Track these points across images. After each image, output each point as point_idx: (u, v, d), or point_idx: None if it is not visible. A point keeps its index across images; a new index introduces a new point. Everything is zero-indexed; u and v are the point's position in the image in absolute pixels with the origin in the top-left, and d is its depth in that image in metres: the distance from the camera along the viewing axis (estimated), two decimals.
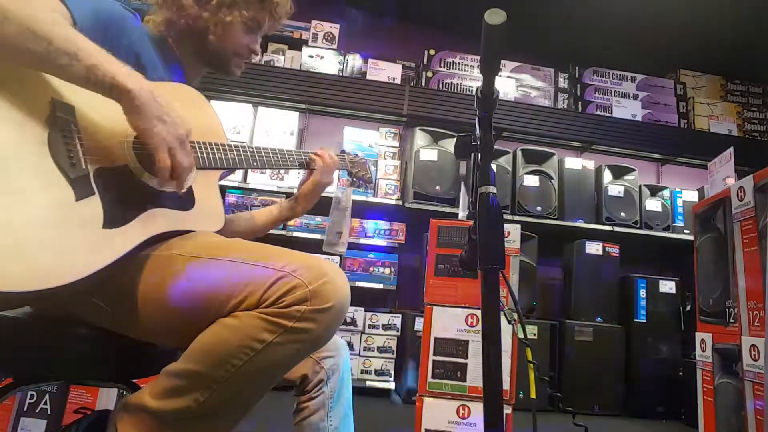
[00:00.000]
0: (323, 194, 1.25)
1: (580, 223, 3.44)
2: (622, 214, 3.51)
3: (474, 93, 0.77)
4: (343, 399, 1.08)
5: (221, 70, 1.14)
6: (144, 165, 0.83)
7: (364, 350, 3.01)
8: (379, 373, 3.00)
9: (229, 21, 1.06)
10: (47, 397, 1.57)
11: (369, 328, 3.04)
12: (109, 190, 0.78)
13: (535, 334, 3.04)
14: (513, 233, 1.71)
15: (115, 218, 0.77)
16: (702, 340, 1.80)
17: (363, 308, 3.05)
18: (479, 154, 0.76)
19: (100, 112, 0.79)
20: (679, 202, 3.64)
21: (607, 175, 3.59)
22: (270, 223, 1.29)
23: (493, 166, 0.76)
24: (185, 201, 0.92)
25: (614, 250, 3.30)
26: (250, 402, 0.78)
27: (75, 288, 0.70)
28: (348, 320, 3.01)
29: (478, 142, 0.77)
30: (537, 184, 3.45)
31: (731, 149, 1.97)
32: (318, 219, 3.16)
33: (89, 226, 0.74)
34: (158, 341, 0.87)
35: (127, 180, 0.82)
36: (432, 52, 3.78)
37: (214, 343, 0.73)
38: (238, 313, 0.74)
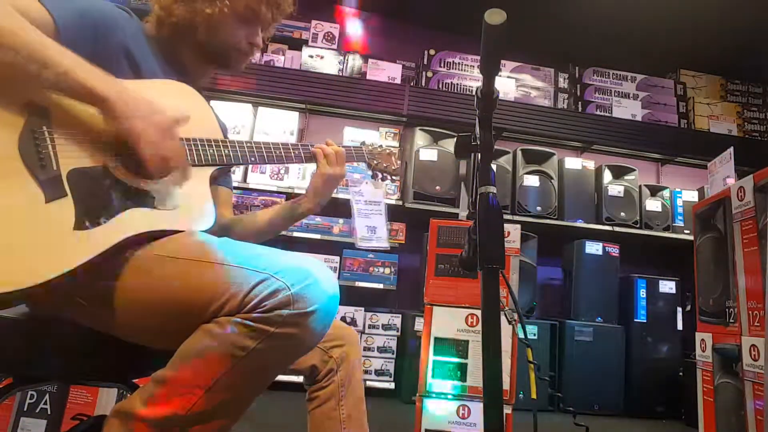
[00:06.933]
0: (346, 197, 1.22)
1: (580, 223, 3.44)
2: (622, 214, 3.50)
3: (474, 93, 0.77)
4: (355, 387, 1.07)
5: (223, 66, 1.11)
6: (125, 164, 0.82)
7: (364, 350, 3.01)
8: (379, 373, 3.00)
9: (210, 13, 1.02)
10: (47, 397, 1.57)
11: (369, 328, 3.04)
12: (84, 191, 0.76)
13: (535, 334, 3.04)
14: (513, 233, 1.72)
15: (88, 219, 0.75)
16: (702, 340, 1.80)
17: (363, 308, 3.05)
18: (479, 154, 0.77)
19: (77, 112, 0.78)
20: (679, 202, 3.64)
21: (607, 175, 3.59)
22: (276, 221, 1.22)
23: (493, 166, 0.76)
24: (169, 200, 0.89)
25: (614, 250, 3.30)
26: (240, 406, 0.76)
27: (54, 289, 0.69)
28: (348, 320, 3.01)
29: (478, 142, 0.77)
30: (537, 184, 3.45)
31: (731, 149, 1.97)
32: (318, 219, 3.16)
33: (58, 228, 0.72)
34: (142, 342, 0.85)
35: (105, 180, 0.80)
36: (432, 52, 3.78)
37: (197, 351, 0.71)
38: (220, 319, 0.72)
